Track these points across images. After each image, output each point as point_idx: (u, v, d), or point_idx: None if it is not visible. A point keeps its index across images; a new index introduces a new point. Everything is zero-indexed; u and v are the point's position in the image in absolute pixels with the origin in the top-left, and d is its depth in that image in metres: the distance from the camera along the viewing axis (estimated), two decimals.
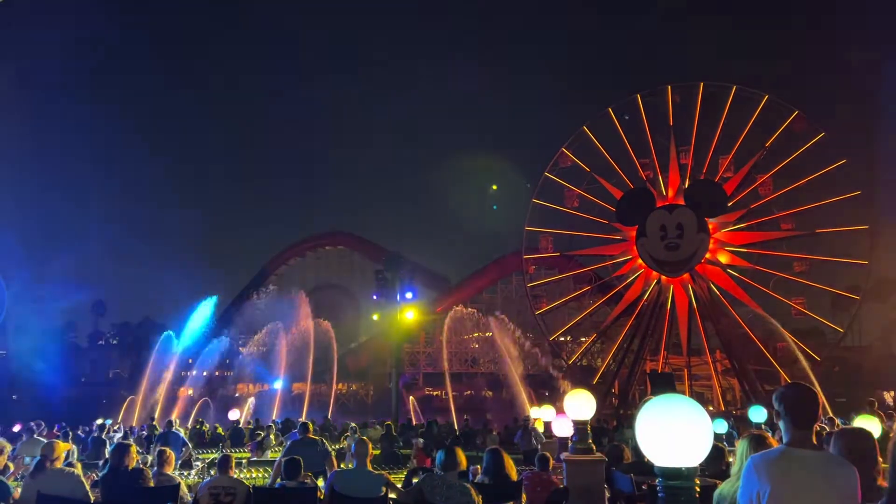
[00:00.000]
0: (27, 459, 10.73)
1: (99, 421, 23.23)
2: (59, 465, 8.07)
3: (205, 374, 44.09)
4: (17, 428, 21.56)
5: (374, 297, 28.28)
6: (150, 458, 12.97)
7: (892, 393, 54.42)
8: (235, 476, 8.84)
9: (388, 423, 23.37)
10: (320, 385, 50.28)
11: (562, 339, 59.58)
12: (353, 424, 22.71)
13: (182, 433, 18.47)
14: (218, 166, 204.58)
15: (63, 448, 8.55)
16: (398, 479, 10.99)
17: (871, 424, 9.47)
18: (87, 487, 7.92)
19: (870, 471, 4.33)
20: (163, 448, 9.16)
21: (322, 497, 8.19)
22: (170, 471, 8.71)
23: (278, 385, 44.05)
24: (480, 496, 7.33)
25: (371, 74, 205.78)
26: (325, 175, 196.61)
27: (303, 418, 28.88)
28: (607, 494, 9.28)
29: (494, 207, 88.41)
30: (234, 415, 25.34)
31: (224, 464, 8.52)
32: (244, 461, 14.85)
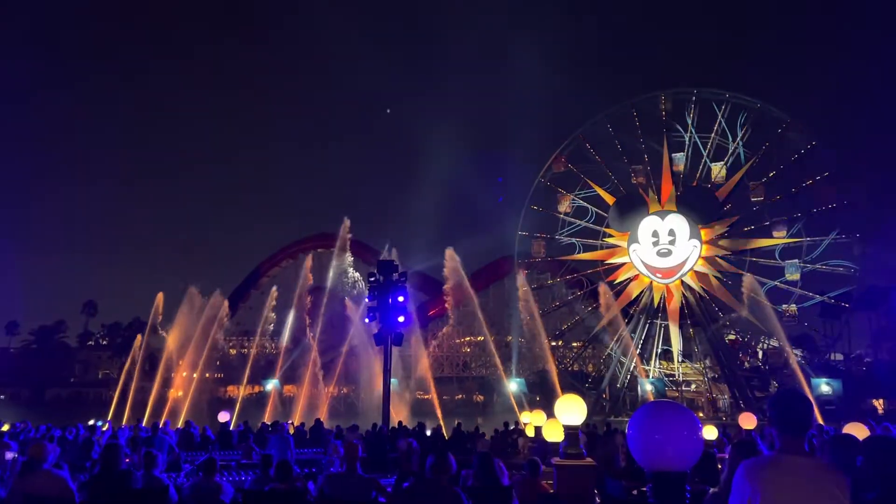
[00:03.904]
0: (8, 455, 10.60)
1: (91, 422, 23.05)
2: (46, 467, 7.97)
3: (195, 375, 43.78)
4: (6, 427, 21.39)
5: (367, 300, 28.14)
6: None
7: (882, 401, 54.76)
8: (221, 478, 8.81)
9: (381, 426, 23.22)
10: (312, 388, 50.11)
11: (553, 343, 59.60)
12: (352, 425, 22.44)
13: (171, 434, 18.30)
14: (214, 166, 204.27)
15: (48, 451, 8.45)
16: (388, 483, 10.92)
17: (858, 433, 9.51)
18: (75, 490, 7.83)
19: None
20: (149, 450, 9.07)
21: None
22: (157, 473, 8.63)
23: (270, 387, 43.84)
24: (471, 501, 7.28)
25: (370, 76, 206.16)
26: (321, 176, 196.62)
27: (295, 421, 28.76)
28: (598, 500, 9.25)
29: (500, 199, 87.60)
30: (223, 417, 25.08)
31: (209, 466, 8.54)
32: (234, 464, 14.73)
